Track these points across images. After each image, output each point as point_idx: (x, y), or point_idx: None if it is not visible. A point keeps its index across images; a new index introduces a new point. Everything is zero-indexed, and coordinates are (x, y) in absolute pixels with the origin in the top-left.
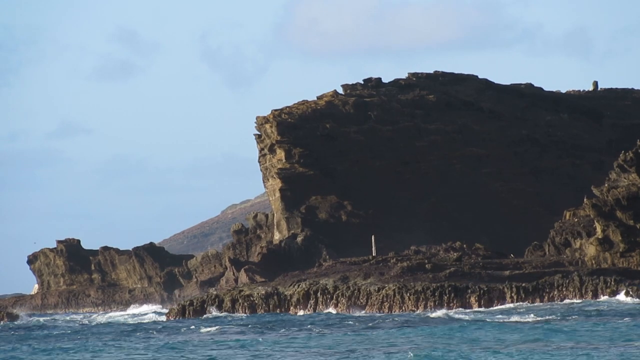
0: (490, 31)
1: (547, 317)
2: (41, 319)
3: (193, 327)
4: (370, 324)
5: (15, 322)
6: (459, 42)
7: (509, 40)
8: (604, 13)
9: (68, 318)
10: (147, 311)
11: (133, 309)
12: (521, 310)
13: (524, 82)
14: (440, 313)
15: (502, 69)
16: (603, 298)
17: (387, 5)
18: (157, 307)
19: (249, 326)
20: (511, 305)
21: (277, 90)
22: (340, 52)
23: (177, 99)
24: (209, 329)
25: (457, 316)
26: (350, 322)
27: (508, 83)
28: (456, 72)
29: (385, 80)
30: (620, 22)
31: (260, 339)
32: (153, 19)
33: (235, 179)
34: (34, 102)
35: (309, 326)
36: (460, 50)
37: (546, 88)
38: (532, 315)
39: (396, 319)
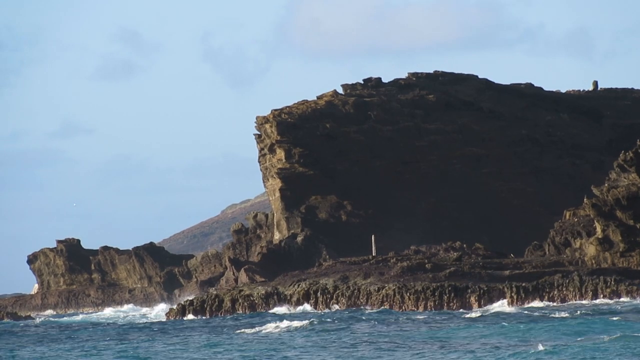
0: (491, 31)
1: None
2: (60, 319)
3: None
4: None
5: (34, 322)
6: (460, 42)
7: (510, 40)
8: (605, 13)
9: (96, 317)
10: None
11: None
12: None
13: (525, 82)
14: (508, 309)
15: (503, 69)
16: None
17: (389, 5)
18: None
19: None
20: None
21: (278, 90)
22: (342, 52)
23: (178, 99)
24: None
25: (528, 312)
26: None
27: (508, 83)
28: (457, 72)
29: (385, 80)
30: (622, 23)
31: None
32: (155, 19)
33: (236, 179)
34: (36, 102)
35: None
36: (462, 50)
37: (547, 88)
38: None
39: (465, 316)
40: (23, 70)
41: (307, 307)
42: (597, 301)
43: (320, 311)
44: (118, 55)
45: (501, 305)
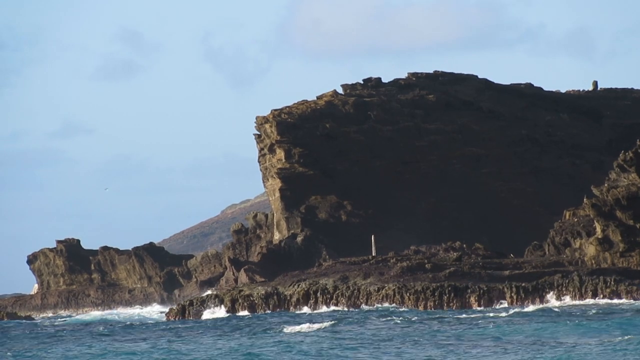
0: (492, 31)
1: None
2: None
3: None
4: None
5: (36, 322)
6: (460, 42)
7: (511, 40)
8: (606, 13)
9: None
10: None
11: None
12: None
13: (525, 82)
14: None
15: (504, 69)
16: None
17: (389, 5)
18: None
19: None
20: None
21: (279, 90)
22: (343, 52)
23: (179, 99)
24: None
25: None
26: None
27: (508, 83)
28: (458, 72)
29: (385, 80)
30: (623, 23)
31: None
32: (156, 19)
33: (236, 179)
34: (36, 102)
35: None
36: (462, 50)
37: (547, 88)
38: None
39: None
40: (23, 70)
41: (329, 307)
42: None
43: (347, 309)
44: (119, 55)
45: (538, 303)
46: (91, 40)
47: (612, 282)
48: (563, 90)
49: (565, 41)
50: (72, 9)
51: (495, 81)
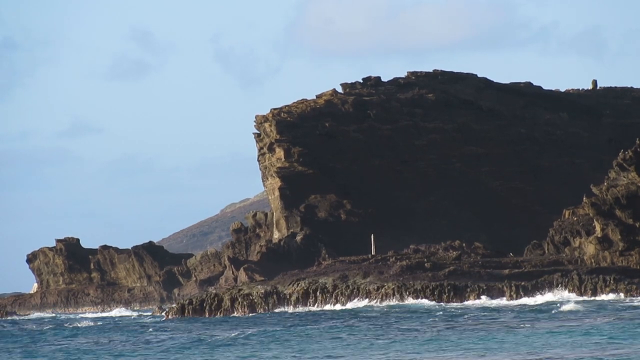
0: (503, 31)
1: None
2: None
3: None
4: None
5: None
6: (472, 42)
7: (522, 40)
8: (617, 13)
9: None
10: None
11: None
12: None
13: (535, 81)
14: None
15: (514, 69)
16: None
17: (400, 5)
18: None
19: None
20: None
21: (289, 90)
22: (353, 51)
23: (189, 99)
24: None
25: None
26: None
27: (509, 82)
28: (462, 71)
29: (386, 79)
30: (635, 22)
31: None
32: (167, 20)
33: (239, 178)
34: (47, 101)
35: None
36: (473, 50)
37: (554, 87)
38: None
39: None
40: (36, 71)
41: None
42: None
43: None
44: (130, 54)
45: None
46: (103, 40)
47: (612, 281)
48: (562, 89)
49: (576, 41)
50: (85, 10)
51: (502, 81)
